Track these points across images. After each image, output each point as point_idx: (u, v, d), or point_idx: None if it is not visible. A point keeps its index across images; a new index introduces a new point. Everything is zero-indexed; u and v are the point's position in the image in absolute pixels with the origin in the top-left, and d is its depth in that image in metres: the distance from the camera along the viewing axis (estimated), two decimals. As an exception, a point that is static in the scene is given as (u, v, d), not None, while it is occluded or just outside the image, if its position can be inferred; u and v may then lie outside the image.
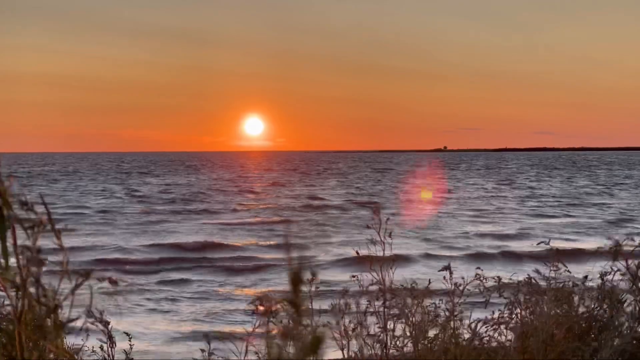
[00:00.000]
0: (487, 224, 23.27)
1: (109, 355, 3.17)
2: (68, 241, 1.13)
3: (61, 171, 76.15)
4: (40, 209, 1.09)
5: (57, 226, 1.09)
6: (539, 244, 3.17)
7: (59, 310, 1.08)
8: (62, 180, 54.95)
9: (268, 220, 24.53)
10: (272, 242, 18.81)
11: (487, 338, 3.00)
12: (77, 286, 1.14)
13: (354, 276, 3.00)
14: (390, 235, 2.85)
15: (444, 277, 3.01)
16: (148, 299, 12.40)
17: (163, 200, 33.84)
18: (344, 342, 3.04)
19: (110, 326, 3.14)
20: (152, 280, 14.10)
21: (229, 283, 13.93)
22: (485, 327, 3.05)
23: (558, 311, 2.96)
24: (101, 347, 3.17)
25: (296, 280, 0.67)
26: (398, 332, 3.06)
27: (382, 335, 3.05)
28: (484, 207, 29.10)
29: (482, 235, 20.35)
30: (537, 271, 3.04)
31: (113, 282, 1.17)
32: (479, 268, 3.06)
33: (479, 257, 16.14)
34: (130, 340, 3.45)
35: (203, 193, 38.93)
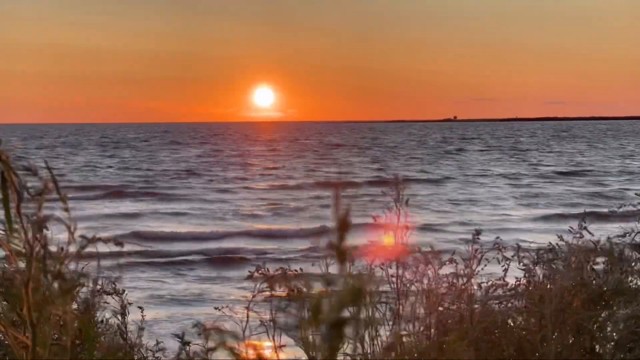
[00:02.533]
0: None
1: (123, 324, 3.16)
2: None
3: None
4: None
5: (63, 191, 1.06)
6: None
7: (65, 276, 1.05)
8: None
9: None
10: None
11: (502, 304, 2.99)
12: (82, 248, 1.12)
13: (371, 242, 2.97)
14: (407, 203, 2.80)
15: (467, 242, 2.98)
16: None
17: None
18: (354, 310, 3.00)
19: (125, 294, 3.13)
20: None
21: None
22: (502, 292, 3.03)
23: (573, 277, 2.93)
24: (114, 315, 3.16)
25: (343, 226, 0.64)
26: (412, 299, 3.03)
27: (395, 301, 3.03)
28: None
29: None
30: (561, 237, 3.00)
31: (118, 244, 1.16)
32: (498, 237, 3.02)
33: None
34: (142, 311, 3.44)
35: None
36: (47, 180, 0.98)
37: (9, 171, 0.95)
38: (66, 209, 1.07)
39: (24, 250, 1.05)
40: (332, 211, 0.65)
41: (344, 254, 0.66)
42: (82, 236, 1.08)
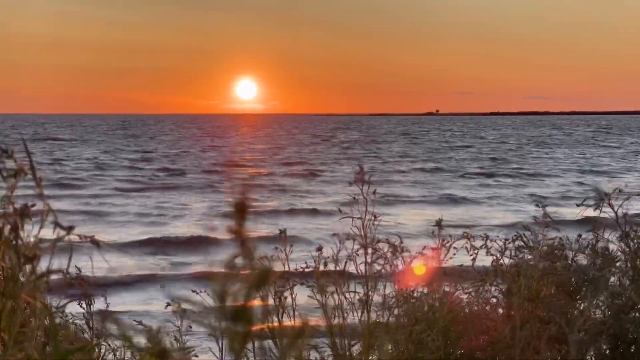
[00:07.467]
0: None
1: (88, 314, 3.12)
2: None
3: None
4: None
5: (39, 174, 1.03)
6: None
7: (37, 262, 1.03)
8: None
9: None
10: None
11: (472, 294, 3.00)
12: (58, 239, 1.05)
13: (335, 234, 2.95)
14: (374, 193, 2.78)
15: (433, 232, 2.97)
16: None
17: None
18: (322, 298, 2.98)
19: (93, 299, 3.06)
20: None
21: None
22: (471, 284, 3.03)
23: (544, 265, 2.93)
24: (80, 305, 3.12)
25: (241, 209, 0.63)
26: (380, 289, 3.01)
27: (363, 291, 3.00)
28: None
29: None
30: (527, 228, 3.01)
31: (95, 243, 1.13)
32: (467, 228, 3.02)
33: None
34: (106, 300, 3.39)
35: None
36: (23, 163, 0.96)
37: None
38: (41, 194, 1.01)
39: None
40: (230, 195, 0.65)
41: (243, 237, 0.64)
42: (57, 224, 1.02)
